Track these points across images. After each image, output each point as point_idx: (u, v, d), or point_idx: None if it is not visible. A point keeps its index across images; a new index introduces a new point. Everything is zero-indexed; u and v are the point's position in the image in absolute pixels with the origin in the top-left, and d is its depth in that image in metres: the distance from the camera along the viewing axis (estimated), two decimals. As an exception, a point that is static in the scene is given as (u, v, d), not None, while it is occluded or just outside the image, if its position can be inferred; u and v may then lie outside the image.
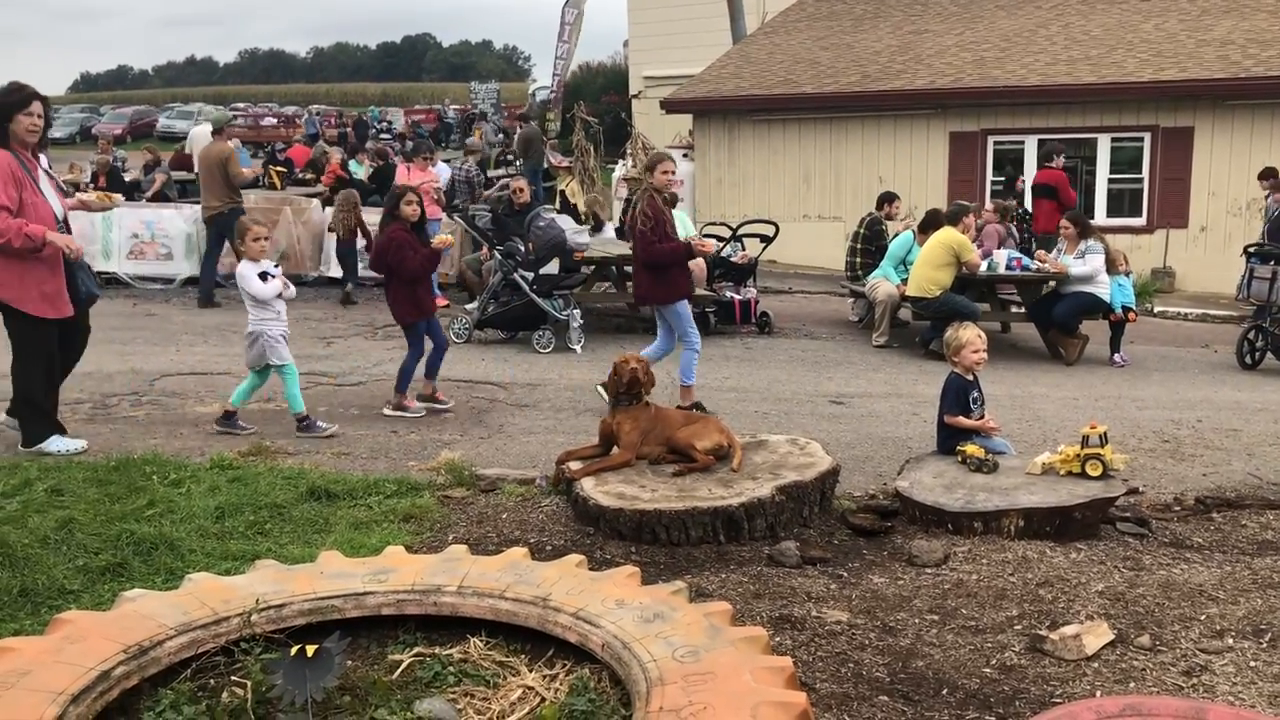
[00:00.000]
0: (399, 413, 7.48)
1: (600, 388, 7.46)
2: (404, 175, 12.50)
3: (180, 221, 13.83)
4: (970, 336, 5.95)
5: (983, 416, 5.89)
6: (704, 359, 9.84)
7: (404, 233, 7.47)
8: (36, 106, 6.01)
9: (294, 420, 6.97)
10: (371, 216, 13.95)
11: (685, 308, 7.57)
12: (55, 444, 6.28)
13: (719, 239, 12.98)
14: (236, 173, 12.13)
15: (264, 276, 6.87)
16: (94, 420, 7.26)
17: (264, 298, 6.83)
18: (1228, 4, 17.86)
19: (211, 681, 3.24)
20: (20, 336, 6.08)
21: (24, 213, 5.83)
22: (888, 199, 12.33)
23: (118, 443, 6.61)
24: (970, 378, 5.93)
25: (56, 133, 43.57)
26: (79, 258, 6.20)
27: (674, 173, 7.69)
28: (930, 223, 10.77)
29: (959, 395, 5.84)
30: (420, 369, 7.63)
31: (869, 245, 11.89)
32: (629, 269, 11.76)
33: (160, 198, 17.14)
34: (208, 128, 19.39)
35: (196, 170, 13.85)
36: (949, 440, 5.81)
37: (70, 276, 6.16)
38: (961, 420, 5.79)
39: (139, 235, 13.71)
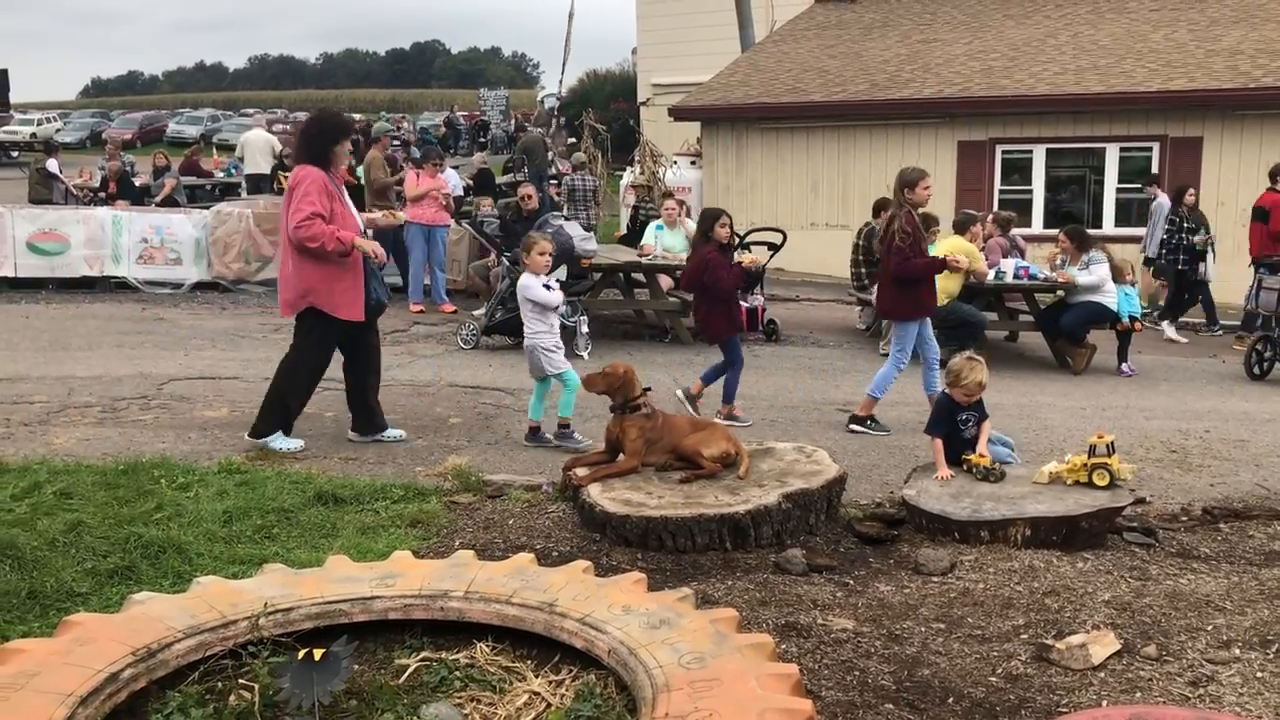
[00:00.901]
0: (730, 422, 7.49)
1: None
2: (413, 181, 12.51)
3: (189, 226, 13.88)
4: (974, 380, 5.79)
5: (976, 435, 5.85)
6: (709, 366, 9.86)
7: (717, 253, 7.77)
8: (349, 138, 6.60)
9: (557, 423, 7.07)
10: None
11: (914, 329, 7.56)
12: (279, 442, 6.60)
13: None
14: (375, 178, 13.00)
15: (548, 287, 7.08)
16: (102, 424, 7.29)
17: (551, 305, 7.02)
18: (1237, 14, 17.84)
19: (219, 684, 3.25)
20: (310, 334, 6.48)
21: (334, 222, 6.28)
22: (883, 206, 12.32)
23: (126, 446, 6.63)
24: (962, 401, 5.89)
25: (66, 137, 43.83)
26: (382, 263, 6.65)
27: (931, 188, 7.69)
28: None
29: (948, 416, 5.84)
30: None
31: (869, 255, 11.87)
32: (636, 276, 11.79)
33: (170, 203, 17.21)
34: (260, 133, 20.01)
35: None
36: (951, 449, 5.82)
37: (365, 283, 6.57)
38: (937, 446, 5.78)
39: (148, 240, 13.75)
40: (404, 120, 45.86)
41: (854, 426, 7.53)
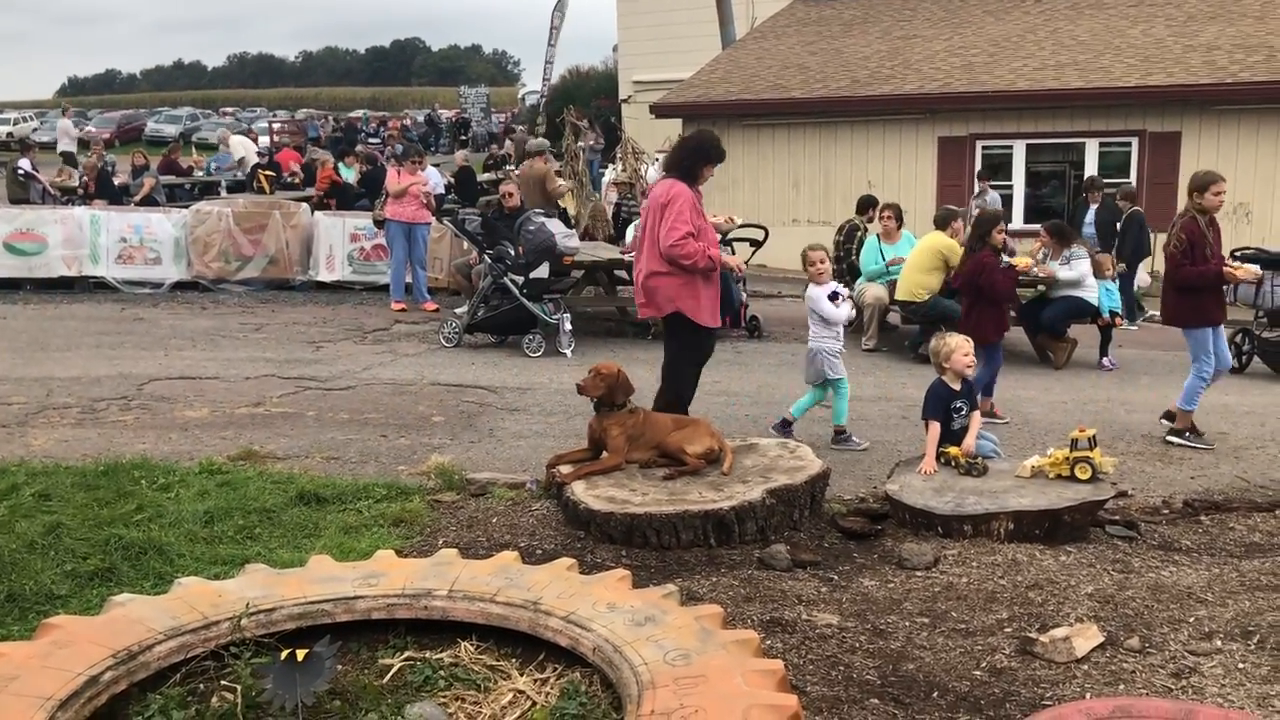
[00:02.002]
0: (990, 419, 7.49)
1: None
2: (394, 178, 12.47)
3: (169, 226, 13.79)
4: (958, 342, 6.00)
5: (966, 426, 5.89)
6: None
7: (993, 257, 7.88)
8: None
9: (832, 430, 7.14)
10: (362, 220, 13.98)
11: (1207, 335, 7.39)
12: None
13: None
14: (554, 188, 13.61)
15: (833, 297, 7.10)
16: (82, 425, 7.23)
17: (836, 320, 7.06)
18: (1214, 10, 17.95)
19: (201, 686, 3.23)
20: (684, 344, 6.64)
21: (700, 238, 6.46)
22: (869, 204, 12.36)
23: (106, 447, 6.58)
24: (958, 386, 5.95)
25: (43, 136, 43.43)
26: (741, 275, 7.05)
27: (1224, 193, 7.47)
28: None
29: (942, 403, 5.87)
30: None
31: (847, 252, 11.89)
32: (618, 273, 11.78)
33: (149, 202, 17.09)
34: (244, 139, 21.09)
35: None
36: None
37: (726, 291, 6.75)
38: (933, 430, 5.80)
39: (127, 240, 13.66)
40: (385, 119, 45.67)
41: (1172, 439, 7.32)
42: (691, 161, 6.57)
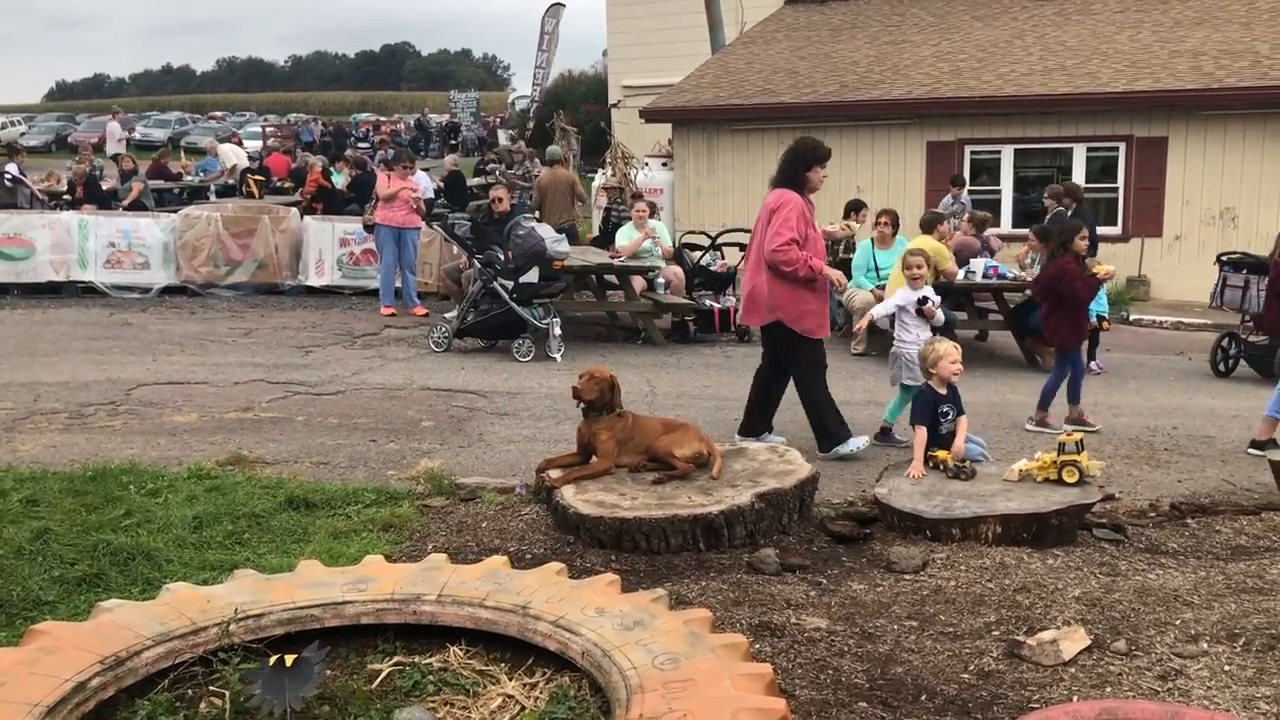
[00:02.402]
0: (1040, 429, 7.60)
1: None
2: (384, 183, 12.45)
3: (157, 230, 13.75)
4: (947, 349, 6.03)
5: (954, 430, 5.92)
6: (682, 368, 9.89)
7: (1075, 264, 7.93)
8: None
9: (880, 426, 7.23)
10: (351, 225, 13.96)
11: None
12: (851, 444, 6.79)
13: (698, 248, 13.02)
14: (581, 194, 14.66)
15: (923, 302, 7.13)
16: (70, 430, 7.21)
17: (938, 323, 7.16)
18: (1200, 16, 18.05)
19: (189, 692, 3.22)
20: (792, 355, 6.80)
21: (806, 246, 6.53)
22: (855, 208, 12.39)
23: (94, 453, 6.56)
24: (944, 391, 5.98)
25: (31, 141, 43.29)
26: (843, 290, 7.54)
27: None
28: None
29: (929, 408, 5.90)
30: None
31: (834, 254, 11.91)
32: (609, 278, 11.79)
33: (137, 206, 17.05)
34: (232, 147, 21.43)
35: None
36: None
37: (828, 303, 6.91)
38: (920, 434, 5.83)
39: (115, 244, 13.62)
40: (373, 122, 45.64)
41: (1253, 451, 7.22)
42: (794, 169, 6.59)
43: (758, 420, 7.05)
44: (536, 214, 13.25)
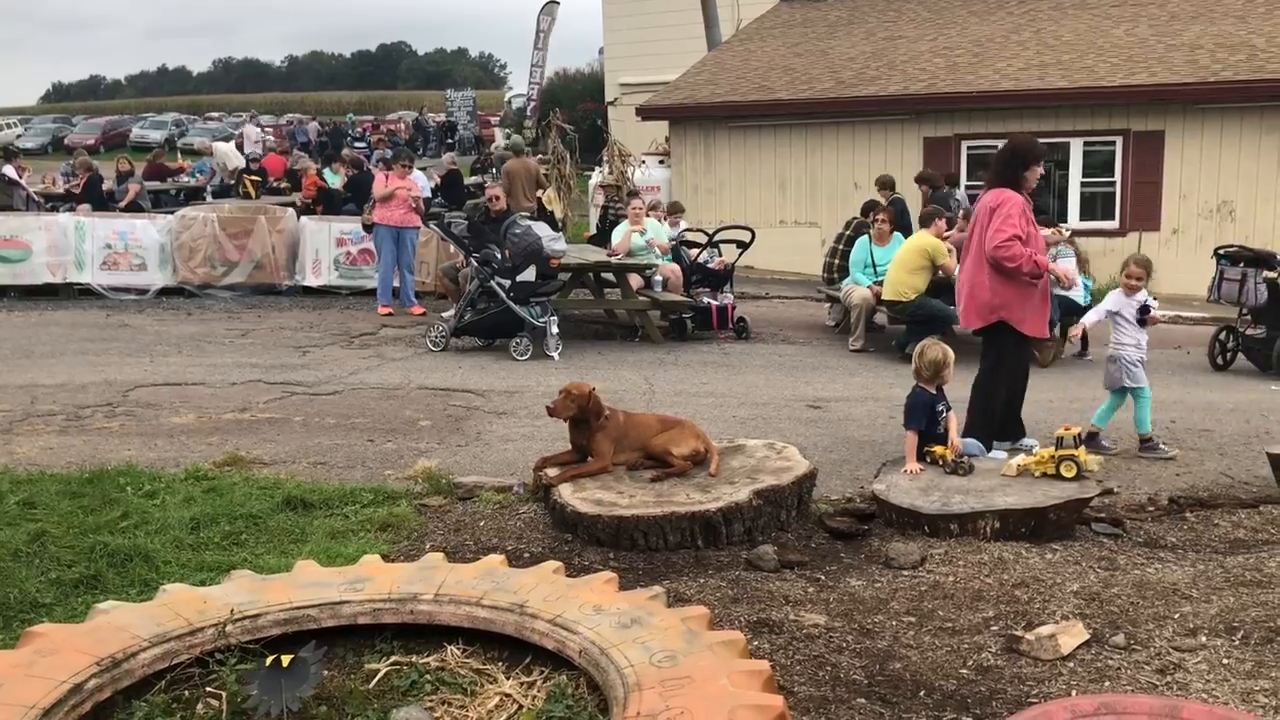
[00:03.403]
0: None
1: None
2: (382, 183, 12.45)
3: (154, 231, 13.74)
4: (944, 356, 5.96)
5: (947, 428, 5.90)
6: (680, 365, 9.88)
7: None
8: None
9: (1138, 439, 7.09)
10: (348, 225, 13.94)
11: None
12: (991, 453, 6.55)
13: (695, 245, 13.01)
14: (543, 181, 15.47)
15: (1144, 310, 7.10)
16: (67, 432, 7.20)
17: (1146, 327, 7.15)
18: (1196, 9, 18.05)
19: (186, 693, 3.22)
20: (1003, 356, 6.65)
21: (1028, 244, 6.45)
22: (872, 207, 12.39)
23: (91, 455, 6.55)
24: (934, 391, 5.96)
25: (28, 143, 43.27)
26: (1070, 285, 7.20)
27: None
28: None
29: (926, 409, 5.87)
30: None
31: (845, 253, 11.91)
32: (606, 275, 11.78)
33: (134, 208, 17.03)
34: (229, 147, 21.60)
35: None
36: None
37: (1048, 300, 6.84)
38: (910, 440, 5.81)
39: (112, 246, 13.60)
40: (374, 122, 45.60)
41: None
42: (1014, 169, 6.56)
43: (1011, 426, 6.89)
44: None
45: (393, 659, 3.49)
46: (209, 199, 19.56)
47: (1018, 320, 6.53)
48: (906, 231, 11.72)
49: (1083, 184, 16.25)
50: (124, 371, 9.18)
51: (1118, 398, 7.16)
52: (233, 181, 21.23)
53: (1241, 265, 10.31)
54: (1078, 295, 10.21)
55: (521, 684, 3.33)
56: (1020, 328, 6.55)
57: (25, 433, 7.16)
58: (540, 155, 19.80)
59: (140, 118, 52.97)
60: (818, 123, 17.27)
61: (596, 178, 18.99)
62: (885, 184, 13.86)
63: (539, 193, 15.76)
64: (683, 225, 14.14)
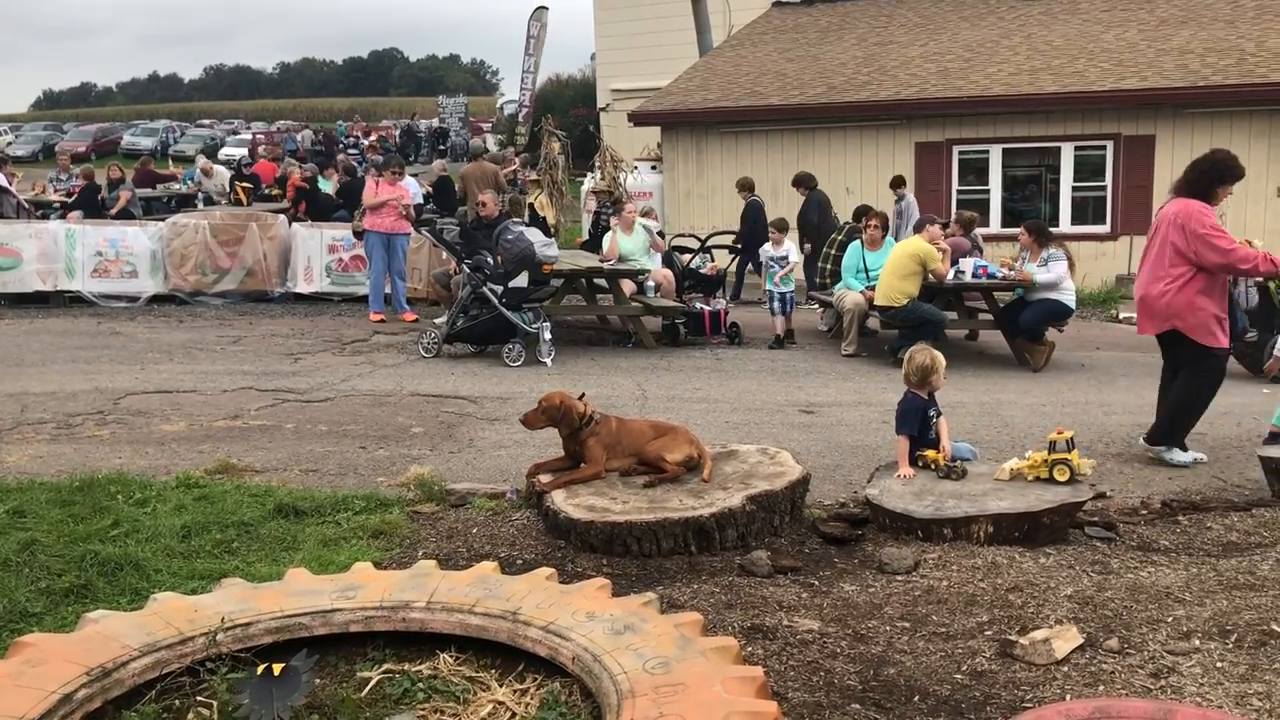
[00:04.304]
0: None
1: None
2: (373, 189, 12.44)
3: (145, 239, 13.71)
4: (933, 362, 5.92)
5: (938, 429, 5.89)
6: (673, 370, 9.88)
7: None
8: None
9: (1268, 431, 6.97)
10: (340, 231, 13.93)
11: None
12: (1177, 455, 6.75)
13: (688, 250, 13.04)
14: (503, 185, 15.94)
15: None
16: (57, 440, 7.17)
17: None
18: (1185, 14, 18.13)
19: (177, 702, 3.20)
20: (1192, 364, 6.69)
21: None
22: (864, 213, 12.42)
23: (81, 463, 6.53)
24: (926, 396, 5.94)
25: (18, 150, 43.17)
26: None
27: None
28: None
29: (918, 415, 5.85)
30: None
31: (838, 259, 11.95)
32: (599, 281, 11.78)
33: (125, 215, 16.99)
34: (223, 169, 22.20)
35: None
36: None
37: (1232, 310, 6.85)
38: (902, 445, 5.79)
39: (103, 253, 13.58)
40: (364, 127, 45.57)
41: None
42: (1206, 182, 6.62)
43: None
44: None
45: (385, 667, 3.47)
46: (200, 206, 19.53)
47: (1189, 329, 6.54)
48: (827, 231, 12.07)
49: (1074, 188, 16.32)
50: (115, 379, 9.14)
51: None
52: (227, 192, 21.21)
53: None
54: (1069, 299, 10.24)
55: (514, 691, 3.31)
56: (1193, 336, 6.54)
57: (15, 441, 7.13)
58: (522, 155, 19.94)
59: (131, 125, 52.90)
60: (809, 128, 17.30)
61: (589, 183, 18.99)
62: (745, 185, 14.56)
63: (530, 198, 15.89)
64: (655, 226, 14.21)
